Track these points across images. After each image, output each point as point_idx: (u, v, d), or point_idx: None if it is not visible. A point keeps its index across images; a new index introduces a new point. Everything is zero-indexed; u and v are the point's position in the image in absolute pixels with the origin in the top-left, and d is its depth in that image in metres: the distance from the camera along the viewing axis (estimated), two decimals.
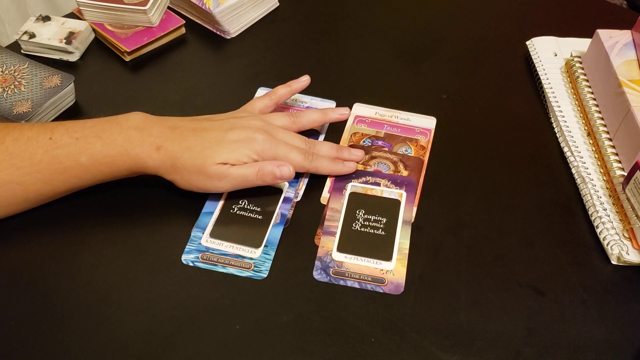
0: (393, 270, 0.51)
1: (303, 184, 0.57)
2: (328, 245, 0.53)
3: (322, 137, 0.62)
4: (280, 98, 0.60)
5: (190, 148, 0.51)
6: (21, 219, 0.53)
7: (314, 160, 0.55)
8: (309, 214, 0.55)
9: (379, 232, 0.53)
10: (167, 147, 0.51)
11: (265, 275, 0.51)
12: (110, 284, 0.50)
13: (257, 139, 0.53)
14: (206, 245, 0.52)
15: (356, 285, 0.50)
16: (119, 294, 0.49)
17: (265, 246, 0.52)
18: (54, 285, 0.50)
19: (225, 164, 0.52)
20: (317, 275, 0.51)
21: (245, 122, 0.54)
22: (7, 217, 0.53)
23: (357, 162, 0.58)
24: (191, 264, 0.51)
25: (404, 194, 0.56)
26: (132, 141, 0.51)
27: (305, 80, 0.61)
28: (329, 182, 0.57)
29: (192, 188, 0.53)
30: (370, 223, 0.54)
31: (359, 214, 0.55)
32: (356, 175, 0.58)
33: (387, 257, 0.52)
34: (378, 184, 0.57)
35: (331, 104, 0.65)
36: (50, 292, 0.50)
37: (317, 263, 0.51)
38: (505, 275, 0.51)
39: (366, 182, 0.57)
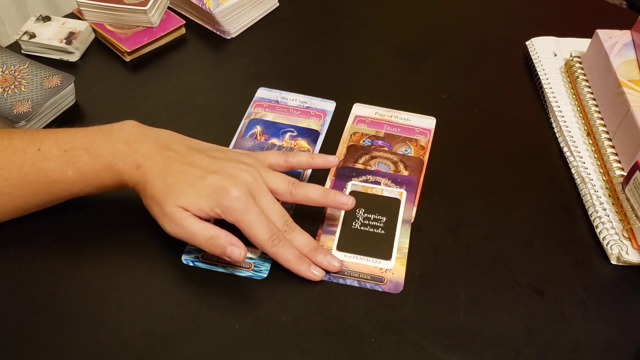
0: (392, 269, 0.51)
1: None
2: (328, 243, 0.53)
3: (321, 138, 0.62)
4: (297, 165, 0.55)
5: (164, 178, 0.48)
6: (21, 218, 0.53)
7: (277, 246, 0.49)
8: (309, 214, 0.55)
9: (379, 231, 0.54)
10: (146, 168, 0.49)
11: (265, 275, 0.51)
12: (110, 284, 0.50)
13: (231, 195, 0.47)
14: None
15: (355, 284, 0.50)
16: (119, 294, 0.49)
17: None
18: (54, 284, 0.50)
19: (186, 210, 0.48)
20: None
21: (235, 172, 0.49)
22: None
23: (329, 272, 0.51)
24: (191, 264, 0.51)
25: (404, 193, 0.56)
26: (117, 155, 0.49)
27: (332, 160, 0.55)
28: (329, 182, 0.57)
29: (151, 214, 0.50)
30: (370, 222, 0.54)
31: (358, 213, 0.55)
32: (356, 174, 0.58)
33: (387, 256, 0.52)
34: (378, 183, 0.57)
35: (331, 104, 0.65)
36: (50, 291, 0.50)
37: None
38: (505, 275, 0.51)
39: (366, 181, 0.57)
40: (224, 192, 0.48)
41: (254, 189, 0.49)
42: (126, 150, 0.49)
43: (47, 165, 0.49)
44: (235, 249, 0.48)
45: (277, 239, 0.49)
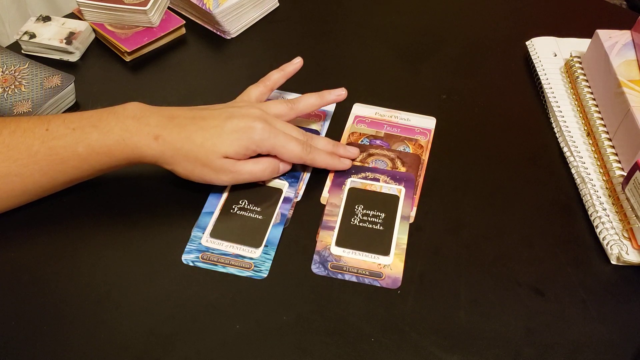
0: (391, 265, 0.51)
1: (303, 184, 0.57)
2: (326, 239, 0.53)
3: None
4: (274, 83, 0.60)
5: (190, 138, 0.51)
6: (22, 218, 0.53)
7: (311, 152, 0.55)
8: (308, 214, 0.55)
9: (378, 227, 0.54)
10: (165, 136, 0.51)
11: (265, 275, 0.51)
12: (110, 284, 0.50)
13: (256, 128, 0.52)
14: (206, 245, 0.53)
15: (354, 279, 0.50)
16: (119, 294, 0.49)
17: (265, 246, 0.52)
18: (54, 285, 0.50)
19: (229, 157, 0.52)
20: (316, 269, 0.51)
21: (244, 111, 0.54)
22: (7, 217, 0.53)
23: (353, 160, 0.58)
24: (191, 264, 0.51)
25: (403, 190, 0.56)
26: (129, 130, 0.50)
27: (297, 62, 0.61)
28: (329, 182, 0.57)
29: (194, 179, 0.53)
30: (369, 218, 0.54)
31: (357, 209, 0.55)
32: (356, 170, 0.58)
33: (385, 251, 0.52)
34: (377, 180, 0.57)
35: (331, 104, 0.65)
36: (50, 292, 0.50)
37: (315, 257, 0.52)
38: (505, 275, 0.51)
39: (365, 178, 0.57)
40: (249, 129, 0.52)
41: (266, 118, 0.54)
42: (137, 125, 0.51)
43: (57, 143, 0.50)
44: (283, 165, 0.55)
45: (308, 147, 0.55)
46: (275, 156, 0.55)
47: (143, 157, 0.51)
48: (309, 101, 0.59)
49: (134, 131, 0.50)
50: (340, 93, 0.60)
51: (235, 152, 0.52)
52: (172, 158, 0.51)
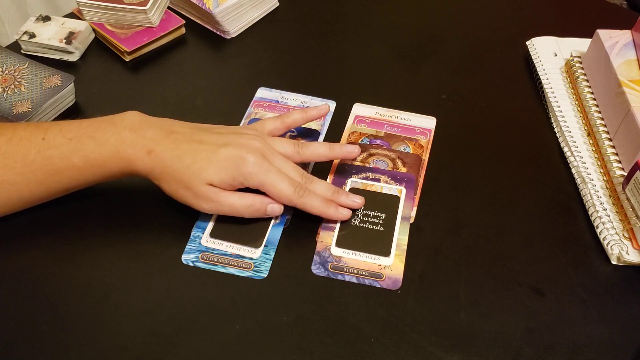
0: (391, 266, 0.51)
1: None
2: (327, 240, 0.53)
3: (321, 138, 0.62)
4: (294, 123, 0.57)
5: (180, 158, 0.50)
6: (21, 219, 0.53)
7: (303, 196, 0.51)
8: (309, 214, 0.55)
9: (378, 227, 0.54)
10: (158, 152, 0.50)
11: (265, 275, 0.51)
12: (110, 284, 0.50)
13: (248, 161, 0.50)
14: (206, 245, 0.52)
15: (354, 280, 0.50)
16: (118, 294, 0.49)
17: (265, 246, 0.52)
18: (54, 285, 0.50)
19: (215, 186, 0.50)
20: (316, 269, 0.51)
21: (244, 141, 0.51)
22: (8, 219, 0.53)
23: (353, 210, 0.54)
24: (191, 264, 0.51)
25: (404, 190, 0.56)
26: (124, 142, 0.50)
27: (324, 109, 0.58)
28: (329, 180, 0.57)
29: (177, 199, 0.52)
30: (370, 219, 0.54)
31: (358, 210, 0.55)
32: (356, 171, 0.58)
33: (386, 252, 0.52)
34: (378, 180, 0.57)
35: (331, 104, 0.65)
36: (50, 292, 0.50)
37: (315, 258, 0.51)
38: (505, 275, 0.51)
39: (366, 178, 0.57)
40: (241, 160, 0.50)
41: (265, 152, 0.51)
42: (133, 137, 0.50)
43: (52, 152, 0.49)
44: (274, 206, 0.51)
45: (301, 190, 0.51)
46: (264, 196, 0.52)
47: (136, 171, 0.51)
48: (318, 151, 0.55)
49: (129, 143, 0.50)
50: (352, 151, 0.56)
51: (221, 181, 0.50)
52: (160, 174, 0.50)
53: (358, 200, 0.54)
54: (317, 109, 0.58)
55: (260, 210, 0.51)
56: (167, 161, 0.50)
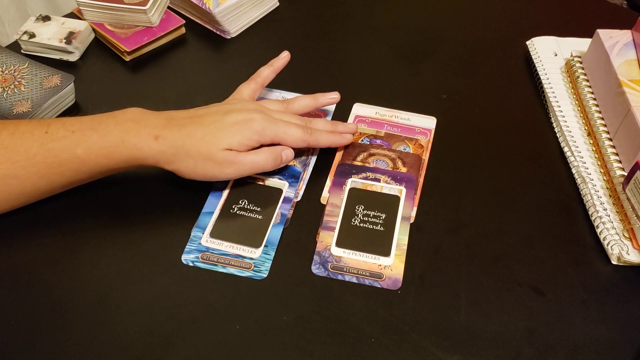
0: (391, 266, 0.51)
1: (303, 183, 0.57)
2: (327, 240, 0.53)
3: None
4: (265, 79, 0.61)
5: (190, 135, 0.51)
6: (21, 218, 0.53)
7: (313, 134, 0.56)
8: (309, 214, 0.55)
9: (378, 227, 0.54)
10: (165, 136, 0.51)
11: (265, 275, 0.51)
12: (110, 284, 0.50)
13: (256, 119, 0.53)
14: (206, 245, 0.52)
15: (354, 280, 0.50)
16: (118, 294, 0.49)
17: (265, 246, 0.52)
18: (54, 285, 0.50)
19: (231, 149, 0.52)
20: (316, 269, 0.51)
21: (241, 106, 0.55)
22: (7, 218, 0.53)
23: (353, 134, 0.60)
24: (191, 264, 0.51)
25: (404, 190, 0.56)
26: (129, 132, 0.50)
27: (285, 56, 0.63)
28: (329, 182, 0.57)
29: (197, 176, 0.53)
30: (370, 219, 0.54)
31: (358, 210, 0.55)
32: (356, 170, 0.58)
33: (386, 252, 0.52)
34: (378, 180, 0.57)
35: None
36: (50, 292, 0.50)
37: (315, 258, 0.51)
38: (505, 275, 0.51)
39: (366, 178, 0.57)
40: (249, 121, 0.53)
41: (263, 110, 0.55)
42: (137, 127, 0.51)
43: (56, 145, 0.50)
44: (287, 152, 0.55)
45: (309, 130, 0.56)
46: (276, 146, 0.55)
47: (143, 158, 0.51)
48: (304, 102, 0.60)
49: (134, 133, 0.50)
50: (333, 97, 0.61)
51: (239, 143, 0.52)
52: (173, 156, 0.51)
53: (352, 126, 0.60)
54: (279, 59, 0.62)
55: (277, 159, 0.54)
56: (177, 141, 0.51)
